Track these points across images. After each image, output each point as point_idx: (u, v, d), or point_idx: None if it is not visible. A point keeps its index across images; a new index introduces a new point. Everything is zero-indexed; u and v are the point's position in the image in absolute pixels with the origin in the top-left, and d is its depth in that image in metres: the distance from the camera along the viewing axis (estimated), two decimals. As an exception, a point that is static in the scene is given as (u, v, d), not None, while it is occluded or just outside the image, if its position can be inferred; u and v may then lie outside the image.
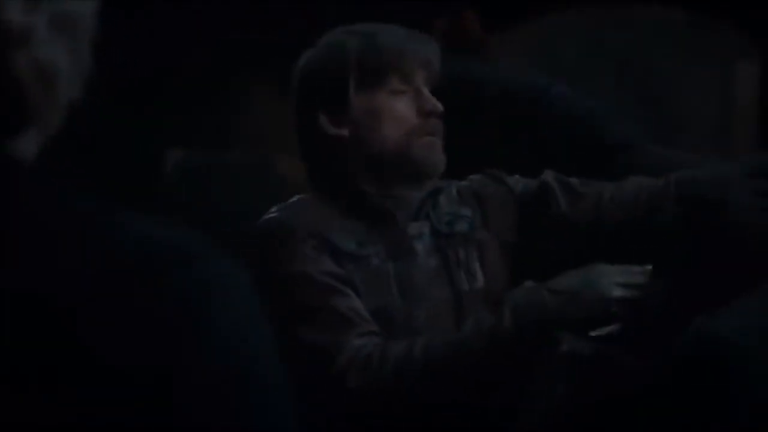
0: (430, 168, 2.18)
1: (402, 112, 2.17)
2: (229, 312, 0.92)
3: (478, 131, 2.83)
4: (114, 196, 0.96)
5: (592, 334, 1.99)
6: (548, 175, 2.26)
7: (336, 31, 2.23)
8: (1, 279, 0.88)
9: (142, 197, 4.32)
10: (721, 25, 5.01)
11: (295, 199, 2.20)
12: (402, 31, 2.21)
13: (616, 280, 1.98)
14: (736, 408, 1.53)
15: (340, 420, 2.03)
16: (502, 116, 2.85)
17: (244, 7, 4.87)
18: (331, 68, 2.18)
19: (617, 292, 1.97)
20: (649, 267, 2.01)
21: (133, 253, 0.91)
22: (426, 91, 2.18)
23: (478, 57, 3.14)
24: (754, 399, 1.53)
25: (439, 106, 2.18)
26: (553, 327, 1.95)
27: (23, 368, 0.87)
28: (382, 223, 2.15)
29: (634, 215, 2.19)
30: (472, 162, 2.35)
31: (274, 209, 2.16)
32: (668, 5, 4.99)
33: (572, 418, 2.02)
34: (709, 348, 1.55)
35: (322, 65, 2.20)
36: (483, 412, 2.03)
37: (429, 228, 2.18)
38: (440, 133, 2.19)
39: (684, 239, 2.19)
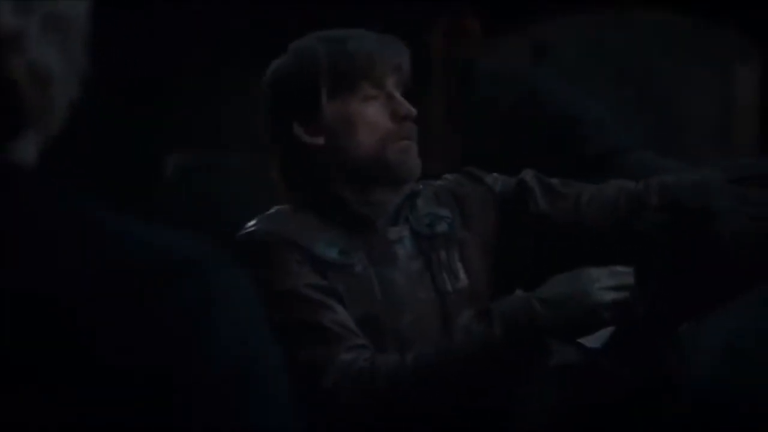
0: (406, 172, 2.17)
1: (375, 117, 2.16)
2: (230, 313, 0.92)
3: (479, 131, 2.83)
4: (114, 196, 0.96)
5: (582, 341, 1.99)
6: (527, 174, 2.25)
7: (305, 39, 2.22)
8: (2, 279, 0.88)
9: (142, 198, 4.33)
10: (721, 26, 5.01)
11: (273, 210, 2.19)
12: (371, 36, 2.19)
13: (606, 284, 1.97)
14: (735, 410, 1.53)
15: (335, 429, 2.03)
16: (502, 116, 2.86)
17: (244, 7, 4.87)
18: (302, 76, 2.17)
19: (608, 297, 1.96)
20: (631, 269, 2.00)
21: (133, 255, 0.91)
22: (398, 95, 2.18)
23: (478, 57, 3.15)
24: (753, 400, 1.53)
25: (413, 110, 2.17)
26: (543, 335, 1.95)
27: (23, 368, 0.87)
28: (361, 229, 2.14)
29: (614, 217, 2.18)
30: (472, 162, 2.35)
31: (253, 221, 2.15)
32: (668, 6, 5.00)
33: (562, 423, 2.02)
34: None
35: (292, 73, 2.19)
36: (472, 417, 2.03)
37: (409, 231, 2.18)
38: (415, 137, 2.18)
39: (666, 245, 2.17)
